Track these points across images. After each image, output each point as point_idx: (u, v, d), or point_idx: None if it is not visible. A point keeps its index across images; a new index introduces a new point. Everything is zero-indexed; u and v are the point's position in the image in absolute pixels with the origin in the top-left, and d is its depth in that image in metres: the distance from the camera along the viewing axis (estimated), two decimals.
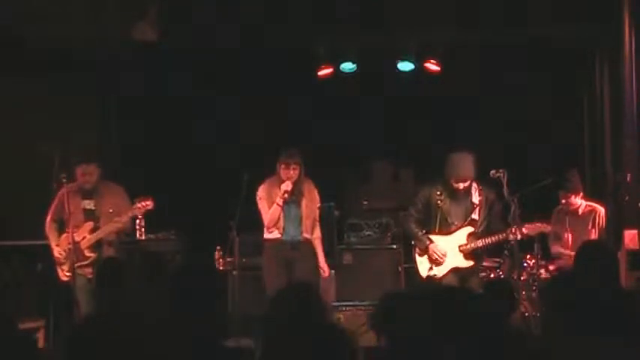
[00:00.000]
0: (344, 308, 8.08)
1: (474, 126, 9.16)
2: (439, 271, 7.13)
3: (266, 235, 7.39)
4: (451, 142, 7.96)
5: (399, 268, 8.28)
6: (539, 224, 7.15)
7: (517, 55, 8.90)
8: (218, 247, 8.08)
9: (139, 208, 7.15)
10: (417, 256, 7.28)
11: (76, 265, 7.04)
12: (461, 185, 7.07)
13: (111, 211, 7.15)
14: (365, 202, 9.31)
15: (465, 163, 7.07)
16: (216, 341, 3.57)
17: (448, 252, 7.14)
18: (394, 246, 8.48)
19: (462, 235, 7.15)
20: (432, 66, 9.14)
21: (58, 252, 7.11)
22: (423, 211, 7.24)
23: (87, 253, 7.12)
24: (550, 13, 8.20)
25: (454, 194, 7.13)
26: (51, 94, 8.76)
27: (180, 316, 3.50)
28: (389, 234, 8.62)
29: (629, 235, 7.15)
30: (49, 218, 7.19)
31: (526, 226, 7.05)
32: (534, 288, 7.32)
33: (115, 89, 9.17)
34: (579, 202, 7.77)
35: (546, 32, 8.56)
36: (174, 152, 9.36)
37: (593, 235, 7.70)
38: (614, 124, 8.09)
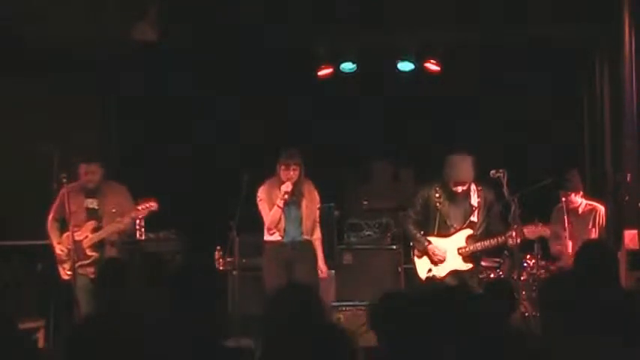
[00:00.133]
0: (344, 308, 8.07)
1: (474, 126, 9.16)
2: (438, 274, 7.13)
3: (266, 237, 7.38)
4: (451, 142, 7.96)
5: (399, 269, 8.27)
6: (539, 228, 7.13)
7: (517, 55, 8.90)
8: (218, 247, 8.08)
9: (143, 209, 7.14)
10: (415, 258, 7.27)
11: (77, 264, 7.03)
12: (460, 188, 7.06)
13: (114, 210, 7.15)
14: (365, 202, 9.31)
15: (464, 165, 7.06)
16: (216, 341, 3.57)
17: (447, 254, 7.13)
18: (394, 246, 8.48)
19: (460, 238, 7.14)
20: (432, 66, 9.14)
21: (59, 250, 7.11)
22: (422, 213, 7.22)
23: (89, 253, 7.12)
24: (550, 13, 8.20)
25: (453, 196, 7.12)
26: (51, 94, 8.75)
27: (180, 316, 3.50)
28: (389, 234, 8.62)
29: (629, 235, 7.15)
30: (50, 217, 7.19)
31: (526, 230, 7.04)
32: (534, 288, 7.31)
33: (115, 89, 9.16)
34: (579, 200, 7.77)
35: (546, 32, 8.56)
36: (175, 152, 9.35)
37: (594, 234, 7.70)
38: (614, 124, 8.09)
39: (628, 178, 7.44)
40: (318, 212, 7.49)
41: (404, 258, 8.18)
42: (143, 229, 7.95)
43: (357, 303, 8.08)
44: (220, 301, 4.01)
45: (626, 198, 7.45)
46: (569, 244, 7.62)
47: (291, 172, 7.23)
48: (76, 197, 7.16)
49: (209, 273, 3.88)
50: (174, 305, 3.58)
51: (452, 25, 8.54)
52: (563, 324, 3.55)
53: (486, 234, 7.15)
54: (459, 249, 7.13)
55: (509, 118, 9.26)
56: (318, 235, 7.47)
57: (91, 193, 7.21)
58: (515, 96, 9.18)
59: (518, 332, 4.27)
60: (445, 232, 7.15)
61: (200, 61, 9.11)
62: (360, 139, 9.67)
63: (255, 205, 7.37)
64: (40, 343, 7.36)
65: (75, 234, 7.08)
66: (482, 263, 7.60)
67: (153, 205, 7.14)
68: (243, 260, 7.90)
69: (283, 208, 7.26)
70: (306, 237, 7.35)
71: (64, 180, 7.02)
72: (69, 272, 7.06)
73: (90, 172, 7.15)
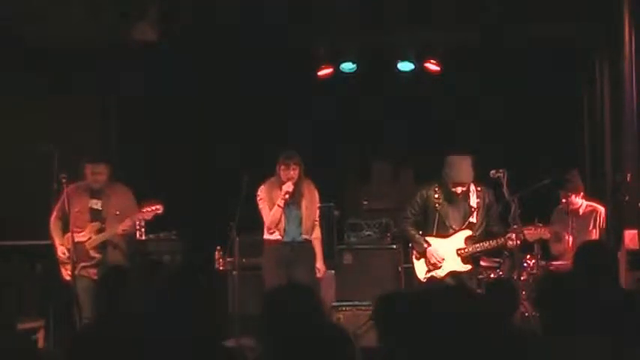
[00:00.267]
0: (344, 308, 8.08)
1: (474, 126, 9.16)
2: (437, 275, 7.12)
3: (266, 236, 7.39)
4: (451, 142, 7.97)
5: (399, 268, 8.27)
6: (539, 230, 7.13)
7: (517, 55, 8.90)
8: (218, 248, 8.08)
9: (148, 212, 7.13)
10: (414, 259, 7.26)
11: (80, 265, 7.03)
12: (459, 189, 7.05)
13: (117, 212, 7.14)
14: (365, 202, 9.31)
15: (463, 166, 7.05)
16: (216, 341, 3.57)
17: (446, 256, 7.11)
18: (394, 246, 8.48)
19: (459, 239, 7.13)
20: (432, 66, 9.15)
21: (61, 251, 7.10)
22: (420, 214, 7.21)
23: (92, 254, 7.10)
24: (550, 13, 8.20)
25: (452, 197, 7.10)
26: (51, 94, 8.75)
27: (180, 316, 3.50)
28: (389, 234, 8.62)
29: (629, 235, 7.15)
30: (53, 216, 7.17)
31: (526, 232, 7.03)
32: (534, 288, 7.30)
33: (115, 89, 9.16)
34: (580, 201, 7.77)
35: (546, 32, 8.56)
36: (174, 152, 9.36)
37: (594, 235, 7.69)
38: (614, 124, 8.08)
39: (628, 178, 7.44)
40: (318, 212, 7.49)
41: (404, 258, 8.17)
42: (143, 230, 7.93)
43: (357, 303, 8.09)
44: (220, 301, 4.01)
45: (626, 198, 7.44)
46: (571, 244, 7.62)
47: (291, 172, 7.24)
48: (80, 197, 7.15)
49: (208, 273, 3.89)
50: (174, 305, 3.58)
51: (452, 25, 8.54)
52: (563, 324, 3.55)
53: (485, 235, 7.14)
54: (457, 250, 7.11)
55: (509, 118, 9.26)
56: (317, 234, 7.47)
57: (95, 194, 7.20)
58: (515, 96, 9.18)
59: (519, 332, 4.27)
60: (444, 233, 7.14)
61: (200, 61, 9.11)
62: (360, 139, 9.67)
63: (255, 205, 7.37)
64: (40, 343, 7.36)
65: (77, 235, 7.07)
66: (482, 263, 7.59)
67: (159, 208, 7.14)
68: (243, 260, 7.89)
69: (284, 208, 7.26)
70: (305, 237, 7.35)
71: (64, 180, 7.01)
72: (70, 273, 7.05)
73: (97, 173, 7.14)
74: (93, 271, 7.01)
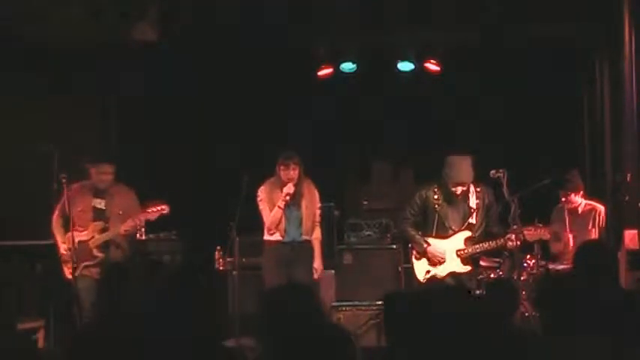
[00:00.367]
0: (344, 308, 8.08)
1: (474, 126, 9.16)
2: (437, 275, 7.11)
3: (266, 237, 7.39)
4: (451, 142, 7.97)
5: (399, 268, 8.26)
6: (539, 231, 7.12)
7: (517, 55, 8.90)
8: (218, 248, 8.08)
9: (153, 212, 7.15)
10: (414, 259, 7.25)
11: (82, 264, 7.04)
12: (459, 189, 7.04)
13: (120, 212, 7.17)
14: (365, 202, 9.31)
15: (463, 166, 7.04)
16: (216, 341, 3.57)
17: (446, 256, 7.11)
18: (394, 246, 8.47)
19: (459, 240, 7.12)
20: (432, 66, 9.15)
21: (64, 250, 7.12)
22: (420, 214, 7.20)
23: (95, 253, 7.12)
24: (550, 13, 8.20)
25: (452, 197, 7.10)
26: (51, 94, 8.75)
27: (180, 316, 3.50)
28: (389, 234, 8.61)
29: (629, 235, 7.15)
30: (55, 214, 7.18)
31: (526, 232, 7.03)
32: (534, 288, 7.30)
33: (115, 89, 9.16)
34: (579, 200, 7.77)
35: (546, 32, 8.56)
36: (174, 152, 9.36)
37: (594, 234, 7.69)
38: (614, 124, 8.09)
39: (628, 178, 7.44)
40: (318, 212, 7.49)
41: (404, 258, 8.17)
42: (143, 230, 7.95)
43: (357, 303, 8.09)
44: (220, 301, 4.01)
45: (626, 198, 7.44)
46: (571, 244, 7.62)
47: (291, 172, 7.24)
48: (84, 196, 7.18)
49: (208, 273, 3.89)
50: (174, 305, 3.58)
51: (452, 25, 8.54)
52: (563, 324, 3.55)
53: (485, 236, 7.13)
54: (457, 251, 7.11)
55: (509, 118, 9.26)
56: (317, 235, 7.46)
57: (99, 193, 7.24)
58: (515, 96, 9.18)
59: (519, 332, 4.27)
60: (443, 234, 7.13)
61: (200, 61, 9.11)
62: (360, 139, 9.67)
63: (256, 205, 7.38)
64: (40, 343, 7.36)
65: (80, 234, 7.09)
66: (482, 263, 7.58)
67: (164, 209, 7.16)
68: (243, 260, 7.89)
69: (284, 210, 7.27)
70: (305, 237, 7.35)
71: (64, 180, 7.02)
72: (74, 272, 7.06)
73: (103, 173, 7.19)
74: (95, 270, 7.02)
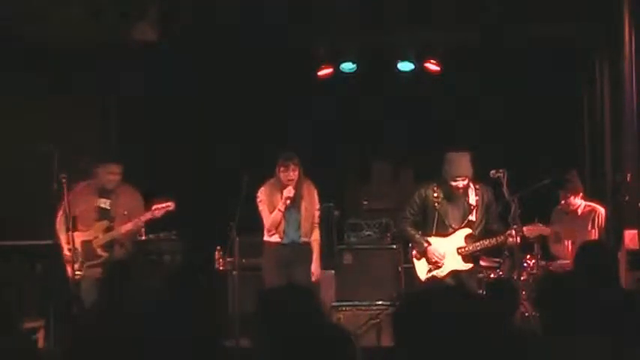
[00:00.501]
0: (344, 308, 8.07)
1: (474, 126, 9.16)
2: (438, 274, 7.11)
3: (266, 238, 7.40)
4: (451, 142, 7.95)
5: (399, 268, 8.26)
6: (539, 227, 7.13)
7: (517, 55, 8.90)
8: (218, 248, 8.08)
9: (160, 209, 7.17)
10: (414, 259, 7.24)
11: (86, 264, 7.06)
12: (460, 184, 7.02)
13: (125, 213, 7.20)
14: (365, 202, 9.31)
15: (462, 161, 7.04)
16: (216, 341, 3.57)
17: (447, 254, 7.11)
18: (394, 246, 8.47)
19: (460, 238, 7.12)
20: (432, 66, 9.15)
21: (67, 250, 7.12)
22: (419, 213, 7.20)
23: (99, 252, 7.14)
24: (550, 13, 8.20)
25: (451, 195, 7.09)
26: (51, 94, 8.75)
27: (180, 316, 3.50)
28: (389, 234, 8.61)
29: (629, 235, 7.15)
30: (59, 214, 7.19)
31: (526, 228, 7.03)
32: (534, 288, 7.30)
33: (115, 89, 9.16)
34: (579, 202, 7.77)
35: (546, 32, 8.56)
36: (174, 152, 9.35)
37: (593, 235, 7.69)
38: (614, 124, 8.09)
39: (628, 178, 7.44)
40: (317, 213, 7.49)
41: (404, 258, 8.17)
42: (143, 230, 7.95)
43: (357, 303, 8.08)
44: (220, 301, 4.01)
45: (626, 198, 7.45)
46: (569, 244, 7.62)
47: (291, 173, 7.24)
48: (88, 196, 7.21)
49: (208, 273, 3.89)
50: (174, 305, 3.58)
51: (452, 25, 8.54)
52: (563, 324, 3.55)
53: (485, 233, 7.14)
54: (458, 249, 7.10)
55: (509, 118, 9.26)
56: (316, 236, 7.47)
57: (104, 193, 7.27)
58: (515, 96, 9.18)
59: (519, 332, 4.27)
60: (443, 232, 7.13)
61: (200, 61, 9.11)
62: (360, 139, 9.67)
63: (255, 206, 7.38)
64: (40, 343, 7.35)
65: (84, 233, 7.13)
66: (482, 263, 7.58)
67: (170, 205, 7.19)
68: (243, 260, 7.89)
69: (284, 212, 7.27)
70: (304, 239, 7.36)
71: (64, 180, 7.02)
72: (78, 272, 7.08)
73: (112, 173, 7.25)
74: (98, 270, 7.02)
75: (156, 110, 9.30)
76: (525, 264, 7.46)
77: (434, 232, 7.13)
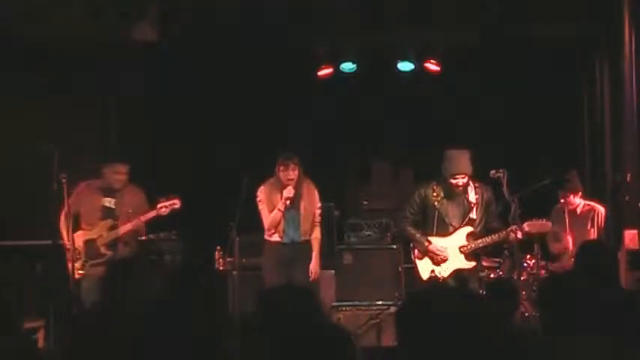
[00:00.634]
0: (344, 308, 8.07)
1: (474, 126, 9.16)
2: (441, 274, 7.10)
3: (266, 237, 7.41)
4: (451, 142, 7.95)
5: (399, 268, 8.26)
6: (540, 222, 7.13)
7: (517, 55, 8.90)
8: (218, 248, 8.07)
9: (165, 207, 7.19)
10: (416, 259, 7.23)
11: (89, 262, 7.07)
12: (460, 181, 7.02)
13: (130, 211, 7.24)
14: (365, 202, 9.30)
15: (462, 158, 7.04)
16: (216, 341, 3.57)
17: (449, 254, 7.10)
18: (394, 246, 8.47)
19: (461, 236, 7.11)
20: (432, 66, 9.14)
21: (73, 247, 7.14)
22: (419, 213, 7.19)
23: (103, 251, 7.16)
24: (550, 13, 8.20)
25: (451, 194, 7.09)
26: (51, 94, 8.75)
27: (180, 316, 3.50)
28: (389, 234, 8.61)
29: (629, 235, 7.15)
30: (62, 214, 7.20)
31: (527, 223, 7.03)
32: (534, 288, 7.31)
33: (115, 89, 9.16)
34: (578, 201, 7.77)
35: (546, 32, 8.56)
36: (174, 152, 9.35)
37: (592, 234, 7.70)
38: (614, 124, 8.09)
39: (628, 178, 7.44)
40: (318, 212, 7.49)
41: (404, 258, 8.17)
42: (143, 230, 7.96)
43: (356, 303, 8.08)
44: (220, 301, 4.01)
45: (626, 198, 7.45)
46: (569, 244, 7.62)
47: (291, 173, 7.24)
48: (92, 195, 7.23)
49: (208, 273, 3.89)
50: (174, 305, 3.58)
51: (452, 25, 8.54)
52: (563, 324, 3.55)
53: (485, 231, 7.13)
54: (460, 247, 7.10)
55: (509, 118, 9.26)
56: (317, 235, 7.47)
57: (109, 193, 7.30)
58: (515, 96, 9.18)
59: (519, 332, 4.27)
60: (444, 231, 7.12)
61: (200, 61, 9.11)
62: (360, 139, 9.67)
63: (255, 206, 7.38)
64: (40, 343, 7.35)
65: (88, 232, 7.15)
66: (483, 263, 7.58)
67: (175, 203, 7.22)
68: (243, 260, 7.89)
69: (283, 212, 7.27)
70: (304, 238, 7.36)
71: (64, 180, 7.03)
72: (81, 271, 7.09)
73: (120, 173, 7.30)
74: (101, 268, 7.02)
75: (156, 110, 9.30)
76: (525, 264, 7.47)
77: (434, 232, 7.12)
